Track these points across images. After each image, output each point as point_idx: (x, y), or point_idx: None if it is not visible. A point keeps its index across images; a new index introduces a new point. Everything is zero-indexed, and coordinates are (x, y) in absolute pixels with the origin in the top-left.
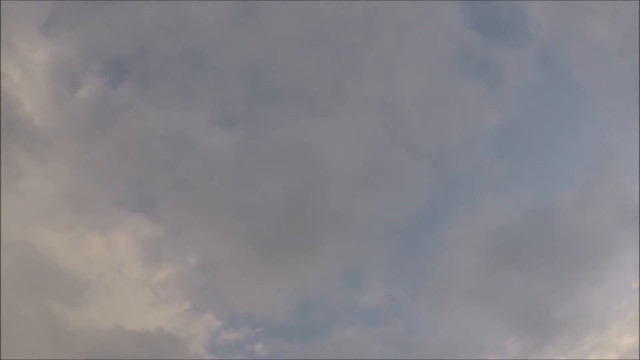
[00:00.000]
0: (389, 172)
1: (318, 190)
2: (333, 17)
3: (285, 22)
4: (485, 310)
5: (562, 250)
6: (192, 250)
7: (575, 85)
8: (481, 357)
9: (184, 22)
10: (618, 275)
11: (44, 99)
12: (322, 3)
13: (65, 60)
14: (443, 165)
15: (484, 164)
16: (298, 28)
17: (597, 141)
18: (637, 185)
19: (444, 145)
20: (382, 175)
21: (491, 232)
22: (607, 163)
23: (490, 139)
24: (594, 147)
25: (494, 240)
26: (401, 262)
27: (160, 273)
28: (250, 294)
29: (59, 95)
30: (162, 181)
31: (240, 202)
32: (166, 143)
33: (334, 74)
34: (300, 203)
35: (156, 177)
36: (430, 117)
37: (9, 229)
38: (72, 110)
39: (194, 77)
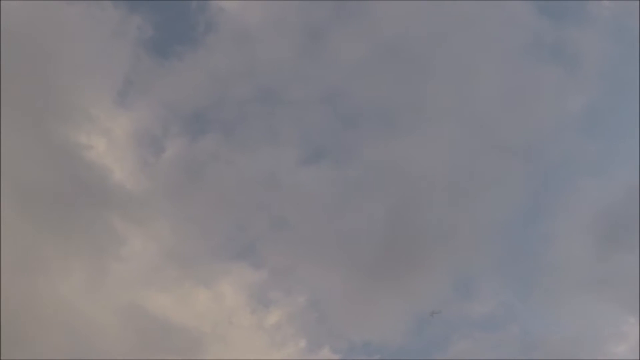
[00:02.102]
0: (483, 175)
1: (416, 205)
2: (398, 31)
3: (352, 45)
4: (601, 298)
5: None
6: (299, 288)
7: None
8: (601, 345)
9: (254, 63)
10: None
11: (131, 163)
12: (384, 21)
13: (145, 123)
14: (535, 157)
15: (576, 149)
16: (366, 49)
17: None
18: None
19: (533, 138)
20: (477, 179)
21: (595, 216)
22: None
23: (577, 123)
24: None
25: (599, 224)
26: (509, 263)
27: (271, 316)
28: (364, 321)
29: (146, 157)
30: (259, 225)
31: (340, 231)
32: (257, 186)
33: (410, 87)
34: (400, 222)
35: (253, 221)
36: (514, 111)
37: (118, 294)
38: (160, 170)
39: (274, 116)
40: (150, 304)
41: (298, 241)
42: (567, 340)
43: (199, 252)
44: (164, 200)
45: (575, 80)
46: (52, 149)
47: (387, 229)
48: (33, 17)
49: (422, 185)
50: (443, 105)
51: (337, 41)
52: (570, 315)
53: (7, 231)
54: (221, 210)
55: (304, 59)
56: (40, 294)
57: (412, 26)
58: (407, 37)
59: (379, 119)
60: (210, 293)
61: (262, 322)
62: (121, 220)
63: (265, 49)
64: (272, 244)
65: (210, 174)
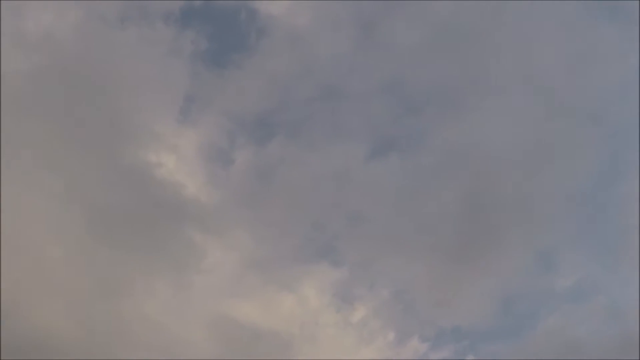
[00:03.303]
0: (554, 144)
1: (490, 183)
2: (451, 9)
3: (406, 30)
4: None
5: None
6: (382, 281)
7: None
8: None
9: (311, 62)
10: None
11: (202, 176)
12: (435, 0)
13: (211, 135)
14: (605, 120)
15: None
16: (421, 32)
17: None
18: None
19: (600, 99)
20: (547, 148)
21: None
22: None
23: None
24: None
25: None
26: (589, 231)
27: (356, 313)
28: (451, 305)
29: (216, 168)
30: (336, 222)
31: (417, 219)
32: (329, 183)
33: (469, 65)
34: (475, 202)
35: (328, 219)
36: (578, 74)
37: (204, 307)
38: (232, 179)
39: (337, 111)
40: (237, 313)
41: (376, 234)
42: None
43: (278, 256)
44: (239, 208)
45: (636, 37)
46: (122, 170)
47: (463, 210)
48: (89, 48)
49: (493, 162)
50: (505, 78)
51: (391, 28)
52: None
53: (86, 256)
54: (296, 211)
55: (359, 51)
56: (126, 316)
57: (463, 3)
58: (460, 14)
59: (442, 102)
60: (294, 296)
61: (348, 319)
62: (199, 233)
63: (320, 46)
64: (351, 240)
65: (281, 177)
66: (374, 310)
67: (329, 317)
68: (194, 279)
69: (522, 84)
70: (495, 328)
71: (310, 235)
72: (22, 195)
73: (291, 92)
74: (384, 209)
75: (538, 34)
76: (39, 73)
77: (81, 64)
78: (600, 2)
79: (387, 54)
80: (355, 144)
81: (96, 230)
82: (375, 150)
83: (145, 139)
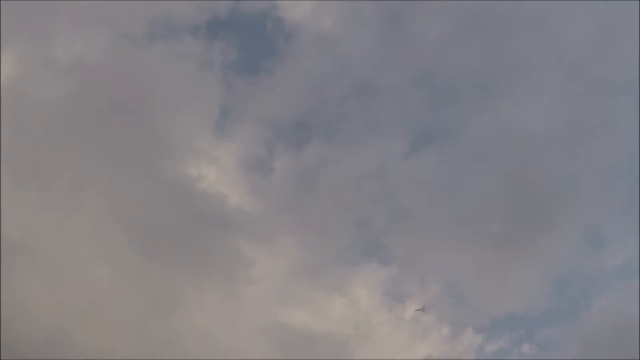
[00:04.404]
0: (592, 119)
1: (533, 165)
2: None
3: (433, 20)
4: None
5: None
6: (431, 276)
7: None
8: None
9: (342, 61)
10: None
11: (244, 185)
12: None
13: (249, 143)
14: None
15: None
16: (448, 21)
17: None
18: None
19: (632, 71)
20: (587, 124)
21: None
22: None
23: None
24: None
25: None
26: (635, 205)
27: (408, 310)
28: (503, 293)
29: (257, 176)
30: (380, 219)
31: (462, 209)
32: (370, 180)
33: (500, 49)
34: (520, 186)
35: (373, 217)
36: (608, 49)
37: (256, 316)
38: (274, 186)
39: (372, 107)
40: (290, 319)
41: (421, 228)
42: None
43: (326, 259)
44: (283, 214)
45: None
46: (164, 186)
47: (508, 196)
48: (120, 68)
49: (533, 144)
50: (535, 59)
51: (417, 19)
52: None
53: (136, 274)
54: (340, 212)
55: (388, 45)
56: (179, 330)
57: None
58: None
59: (475, 89)
60: (345, 298)
61: (401, 316)
62: (246, 242)
63: (348, 44)
64: (397, 236)
65: (321, 179)
66: (426, 305)
67: (381, 316)
68: (244, 288)
69: (553, 64)
70: (549, 311)
71: (356, 234)
72: (68, 219)
73: (324, 92)
74: (427, 201)
75: (563, 13)
76: (73, 97)
77: (114, 85)
78: None
79: (416, 45)
80: (393, 139)
81: (143, 247)
82: (413, 143)
83: (184, 154)
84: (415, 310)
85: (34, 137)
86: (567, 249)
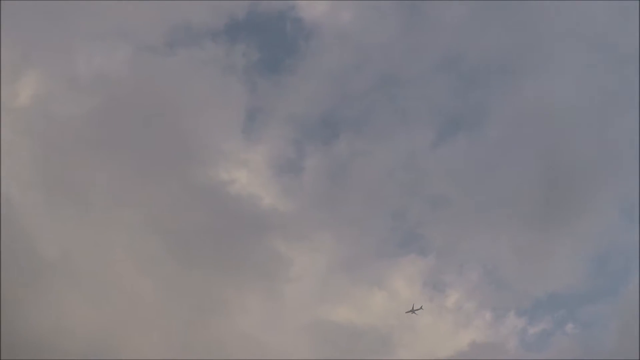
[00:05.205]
0: (622, 92)
1: (564, 143)
2: None
3: (452, 5)
4: None
5: None
6: (470, 263)
7: None
8: None
9: (364, 54)
10: None
11: (276, 185)
12: None
13: (278, 143)
14: None
15: None
16: (468, 5)
17: None
18: None
19: None
20: (617, 98)
21: None
22: None
23: None
24: None
25: None
26: None
27: (449, 298)
28: (544, 274)
29: (288, 175)
30: (415, 209)
31: (496, 192)
32: (402, 170)
33: (522, 29)
34: (553, 165)
35: (407, 208)
36: (630, 21)
37: (298, 315)
38: (306, 183)
39: (398, 97)
40: (332, 316)
41: (456, 216)
42: None
43: (364, 253)
44: (318, 211)
45: None
46: (197, 192)
47: (541, 175)
48: (143, 79)
49: (564, 121)
50: (559, 36)
51: (436, 5)
52: None
53: (175, 283)
54: (374, 205)
55: (409, 34)
56: (224, 334)
57: None
58: None
59: (501, 71)
60: (385, 291)
61: (442, 305)
62: (282, 242)
63: (368, 36)
64: (433, 225)
65: (353, 173)
66: (467, 292)
67: (423, 306)
68: (284, 287)
69: (576, 40)
70: (590, 289)
71: (392, 227)
72: (105, 233)
73: (348, 87)
74: (460, 188)
75: None
76: (100, 112)
77: (139, 96)
78: None
79: (437, 32)
80: (421, 128)
81: (181, 255)
82: (442, 130)
83: (214, 159)
84: (406, 312)
85: (64, 155)
86: (604, 225)
